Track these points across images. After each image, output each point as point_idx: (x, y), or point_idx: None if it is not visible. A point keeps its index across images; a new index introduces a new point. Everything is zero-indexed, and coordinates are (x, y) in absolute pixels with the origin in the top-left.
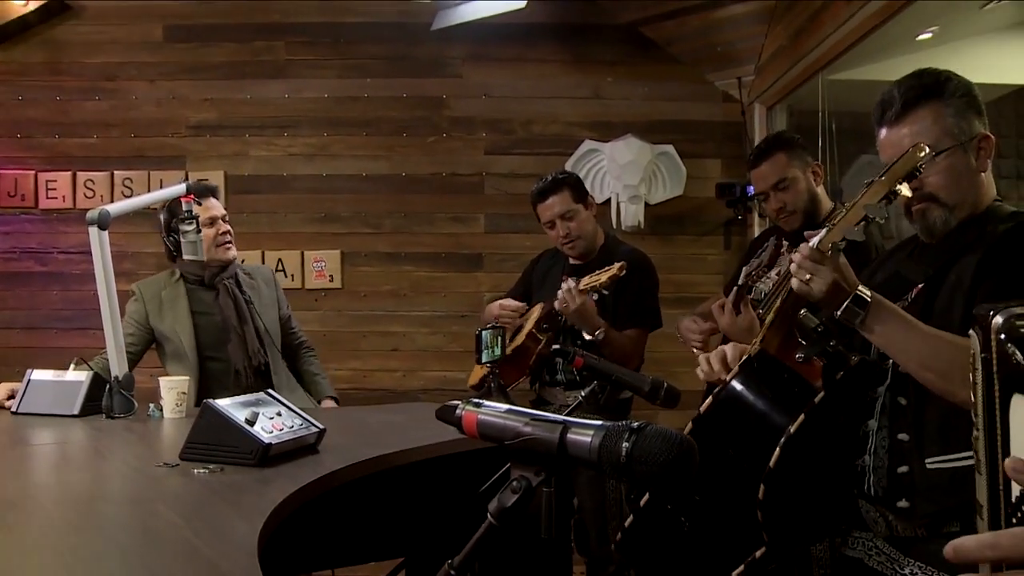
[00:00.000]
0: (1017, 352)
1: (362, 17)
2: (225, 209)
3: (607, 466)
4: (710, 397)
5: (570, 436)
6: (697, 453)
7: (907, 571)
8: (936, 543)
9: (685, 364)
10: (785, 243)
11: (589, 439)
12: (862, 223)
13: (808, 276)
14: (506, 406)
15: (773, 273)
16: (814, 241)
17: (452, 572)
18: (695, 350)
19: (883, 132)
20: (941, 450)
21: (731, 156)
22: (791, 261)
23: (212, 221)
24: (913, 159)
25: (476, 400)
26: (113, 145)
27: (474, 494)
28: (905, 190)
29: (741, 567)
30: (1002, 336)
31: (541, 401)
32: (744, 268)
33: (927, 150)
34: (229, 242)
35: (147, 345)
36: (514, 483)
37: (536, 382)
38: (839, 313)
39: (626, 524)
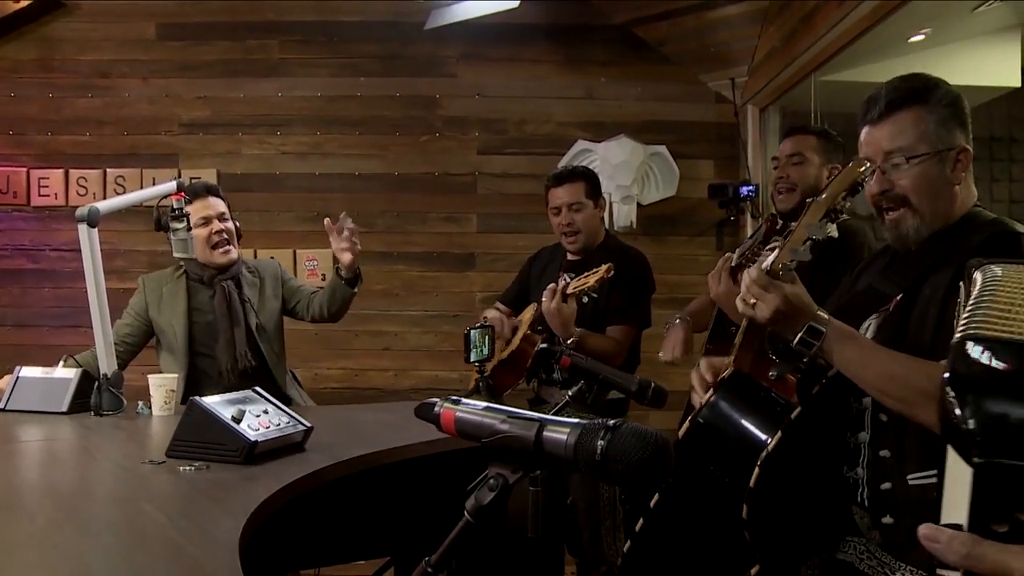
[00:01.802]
0: None
1: (355, 16)
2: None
3: (583, 464)
4: (687, 421)
5: (546, 434)
6: (672, 451)
7: (898, 575)
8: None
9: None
10: (780, 221)
11: (565, 437)
12: (807, 243)
13: (753, 301)
14: (484, 403)
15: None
16: (767, 263)
17: (429, 570)
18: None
19: (864, 131)
20: (922, 466)
21: (724, 157)
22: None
23: (206, 221)
24: (853, 174)
25: (455, 397)
26: (106, 143)
27: (461, 493)
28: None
29: None
30: None
31: (539, 400)
32: (738, 249)
33: (867, 164)
34: (224, 243)
35: (146, 338)
36: (491, 481)
37: (534, 380)
38: (794, 343)
39: (625, 549)
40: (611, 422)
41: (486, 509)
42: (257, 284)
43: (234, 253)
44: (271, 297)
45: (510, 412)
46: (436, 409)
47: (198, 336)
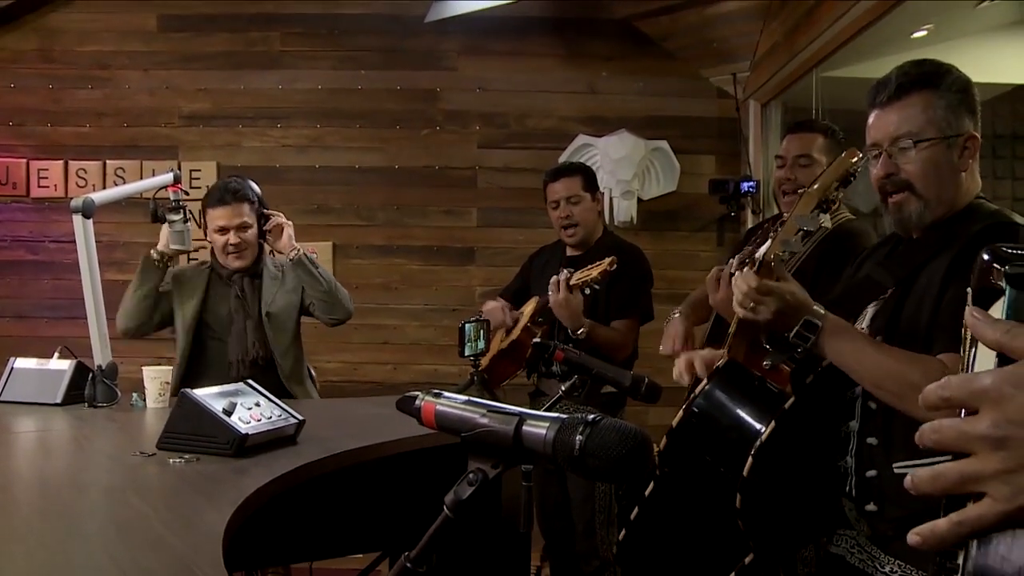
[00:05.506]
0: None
1: (357, 9)
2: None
3: (561, 459)
4: (682, 410)
5: (525, 428)
6: (652, 447)
7: (887, 569)
8: None
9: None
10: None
11: (544, 431)
12: (799, 234)
13: (752, 305)
14: (465, 397)
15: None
16: (759, 253)
17: (408, 565)
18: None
19: (873, 114)
20: (908, 455)
21: (725, 152)
22: (735, 285)
23: (222, 231)
24: (844, 164)
25: (436, 391)
26: (106, 134)
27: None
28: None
29: (732, 574)
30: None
31: (539, 393)
32: (737, 256)
33: (860, 155)
34: (237, 253)
35: (168, 309)
36: (470, 475)
37: (534, 374)
38: (790, 337)
39: (620, 537)
40: (591, 417)
41: (465, 504)
42: (279, 277)
43: (249, 258)
44: (290, 291)
45: (490, 406)
46: (417, 403)
47: (211, 319)
